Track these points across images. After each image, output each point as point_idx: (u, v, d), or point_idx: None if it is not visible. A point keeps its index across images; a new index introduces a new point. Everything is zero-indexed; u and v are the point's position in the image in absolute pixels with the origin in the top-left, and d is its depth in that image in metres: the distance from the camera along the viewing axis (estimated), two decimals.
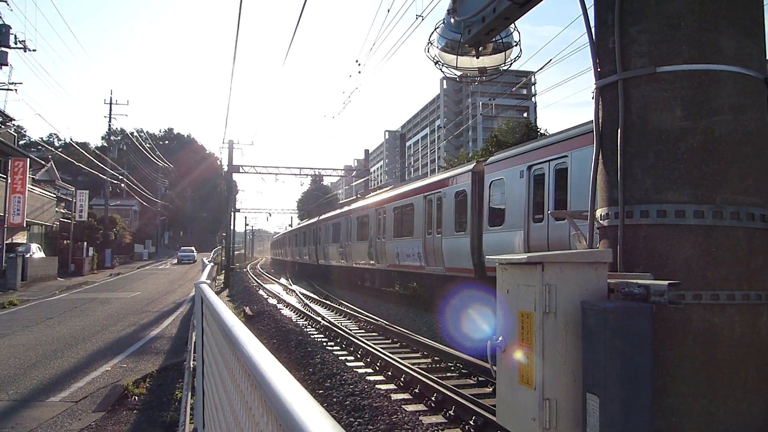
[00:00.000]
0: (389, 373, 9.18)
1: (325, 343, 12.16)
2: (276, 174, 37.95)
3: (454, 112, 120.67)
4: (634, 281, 2.73)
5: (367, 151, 47.39)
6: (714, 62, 3.17)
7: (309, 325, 15.42)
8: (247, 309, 18.34)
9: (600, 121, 3.56)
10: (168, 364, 10.10)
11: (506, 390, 3.07)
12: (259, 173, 37.52)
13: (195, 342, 6.23)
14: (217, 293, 22.62)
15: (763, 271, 3.02)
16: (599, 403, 2.55)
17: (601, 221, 3.39)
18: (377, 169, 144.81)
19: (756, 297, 2.94)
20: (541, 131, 38.00)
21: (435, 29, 5.89)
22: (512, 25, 5.46)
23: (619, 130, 3.30)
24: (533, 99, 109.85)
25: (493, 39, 5.34)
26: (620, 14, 3.41)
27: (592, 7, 3.77)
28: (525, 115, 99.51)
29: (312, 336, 13.05)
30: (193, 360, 7.02)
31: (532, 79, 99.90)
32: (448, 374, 9.28)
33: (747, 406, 2.91)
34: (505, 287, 3.12)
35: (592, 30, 3.71)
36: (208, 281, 7.85)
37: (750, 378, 2.94)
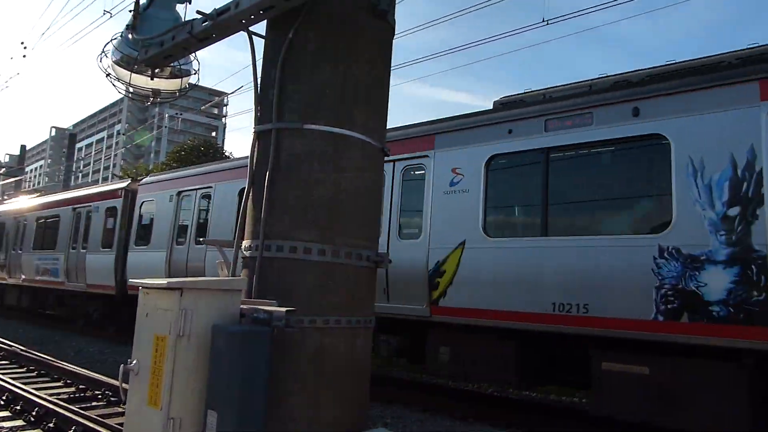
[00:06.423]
0: (17, 408, 8.00)
1: None
2: None
3: (138, 120, 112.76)
4: (261, 308, 3.13)
5: (23, 146, 40.85)
6: (347, 128, 3.87)
7: None
8: None
9: (254, 161, 3.97)
10: None
11: (135, 412, 3.12)
12: None
13: None
14: None
15: (364, 301, 3.78)
16: (217, 417, 2.83)
17: (245, 252, 3.77)
18: (36, 169, 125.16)
19: (356, 322, 3.65)
20: (227, 153, 38.45)
21: (111, 40, 5.65)
22: (192, 55, 5.62)
23: (267, 173, 3.75)
24: (224, 120, 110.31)
25: (171, 64, 5.40)
26: (281, 73, 3.90)
27: (260, 60, 4.22)
28: (213, 134, 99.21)
29: None
30: None
31: (225, 101, 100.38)
32: (95, 404, 8.57)
33: (342, 411, 3.57)
34: (144, 311, 3.19)
35: (258, 80, 4.15)
36: None
37: (347, 389, 3.62)
